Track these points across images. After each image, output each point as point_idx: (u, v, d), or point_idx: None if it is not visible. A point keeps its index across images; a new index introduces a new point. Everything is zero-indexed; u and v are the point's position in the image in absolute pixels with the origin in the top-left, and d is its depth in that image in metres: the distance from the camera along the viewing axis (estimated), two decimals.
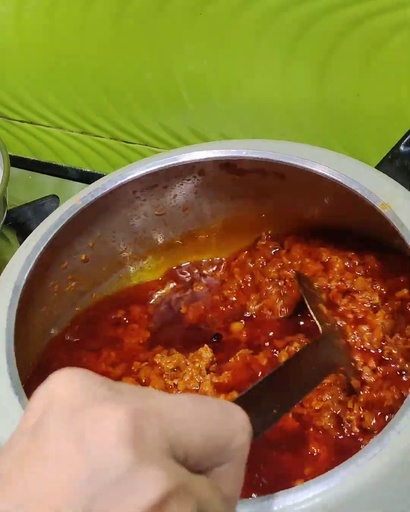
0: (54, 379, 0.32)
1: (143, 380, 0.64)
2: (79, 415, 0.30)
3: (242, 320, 0.69)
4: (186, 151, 0.66)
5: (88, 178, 1.00)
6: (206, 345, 0.64)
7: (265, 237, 0.73)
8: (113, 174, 0.66)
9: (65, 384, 0.32)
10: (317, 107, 0.79)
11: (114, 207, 0.68)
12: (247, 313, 0.69)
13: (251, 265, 0.71)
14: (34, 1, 0.86)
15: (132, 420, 0.30)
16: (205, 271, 0.75)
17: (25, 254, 0.60)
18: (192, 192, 0.70)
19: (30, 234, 0.63)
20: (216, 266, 0.75)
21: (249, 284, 0.70)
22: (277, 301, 0.68)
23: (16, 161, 1.01)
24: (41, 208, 0.90)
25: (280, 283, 0.68)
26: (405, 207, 0.57)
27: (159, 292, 0.74)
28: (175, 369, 0.64)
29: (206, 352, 0.63)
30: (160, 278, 0.74)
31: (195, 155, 0.65)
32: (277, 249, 0.72)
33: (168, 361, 0.64)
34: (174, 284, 0.74)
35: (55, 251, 0.64)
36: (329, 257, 0.67)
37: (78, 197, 0.64)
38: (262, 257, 0.71)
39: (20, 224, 0.89)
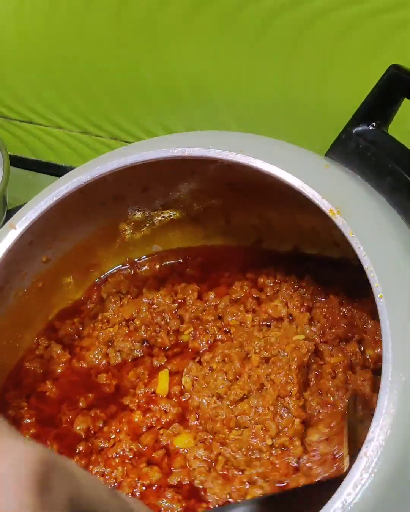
0: None
1: None
2: None
3: None
4: (129, 152, 0.61)
5: None
6: None
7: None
8: (52, 187, 0.64)
9: None
10: (318, 106, 0.79)
11: (62, 212, 0.64)
12: None
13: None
14: (34, 1, 0.86)
15: (45, 468, 0.29)
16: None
17: None
18: (149, 177, 0.66)
19: None
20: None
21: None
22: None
23: (16, 161, 1.01)
24: None
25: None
26: (354, 213, 0.52)
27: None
28: None
29: None
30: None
31: (143, 156, 0.60)
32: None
33: None
34: None
35: (8, 265, 0.62)
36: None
37: (14, 221, 0.62)
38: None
39: None
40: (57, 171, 1.03)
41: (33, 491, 0.29)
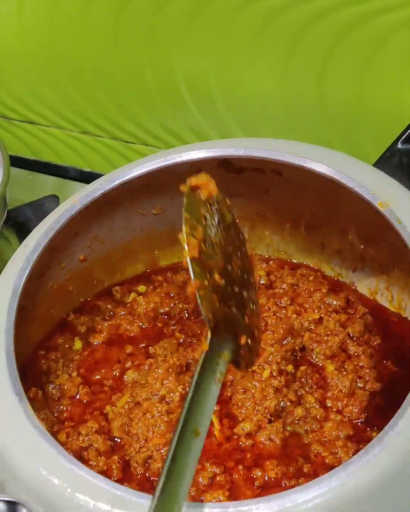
0: None
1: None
2: None
3: None
4: (184, 150, 0.66)
5: (88, 178, 1.00)
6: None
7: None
8: (111, 174, 0.66)
9: None
10: (318, 106, 0.79)
11: (112, 206, 0.68)
12: None
13: None
14: (34, 1, 0.86)
15: None
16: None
17: (24, 255, 0.60)
18: None
19: (29, 234, 0.63)
20: None
21: None
22: None
23: (16, 161, 1.01)
24: (41, 208, 0.90)
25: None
26: (403, 206, 0.57)
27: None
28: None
29: None
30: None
31: (193, 154, 0.65)
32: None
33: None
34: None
35: (53, 251, 0.64)
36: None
37: (76, 197, 0.64)
38: None
39: (20, 223, 0.89)
40: (57, 171, 1.03)
41: None
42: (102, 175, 0.68)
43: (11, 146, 1.00)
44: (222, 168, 0.66)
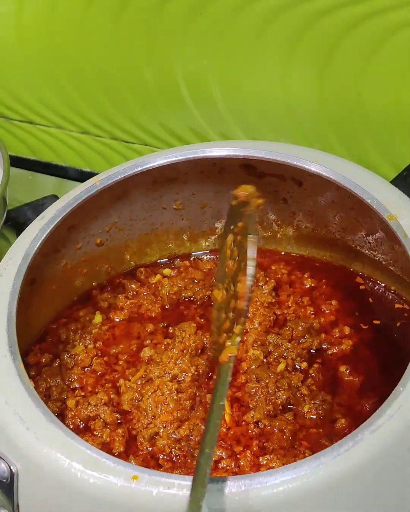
0: None
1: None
2: None
3: None
4: (207, 146, 0.67)
5: (88, 178, 0.99)
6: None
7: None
8: (134, 161, 0.67)
9: None
10: (318, 106, 0.79)
11: (133, 194, 0.69)
12: None
13: None
14: (34, 1, 0.86)
15: None
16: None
17: (39, 225, 0.61)
18: (212, 191, 0.71)
19: (47, 208, 0.64)
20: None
21: None
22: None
23: (16, 161, 1.01)
24: (41, 208, 0.90)
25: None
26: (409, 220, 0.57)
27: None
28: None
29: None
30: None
31: (216, 151, 0.66)
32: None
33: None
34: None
35: (71, 229, 0.65)
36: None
37: (98, 178, 0.65)
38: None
39: (20, 224, 0.89)
40: (57, 171, 1.03)
41: None
42: None
43: (11, 146, 1.00)
44: (244, 170, 0.67)
